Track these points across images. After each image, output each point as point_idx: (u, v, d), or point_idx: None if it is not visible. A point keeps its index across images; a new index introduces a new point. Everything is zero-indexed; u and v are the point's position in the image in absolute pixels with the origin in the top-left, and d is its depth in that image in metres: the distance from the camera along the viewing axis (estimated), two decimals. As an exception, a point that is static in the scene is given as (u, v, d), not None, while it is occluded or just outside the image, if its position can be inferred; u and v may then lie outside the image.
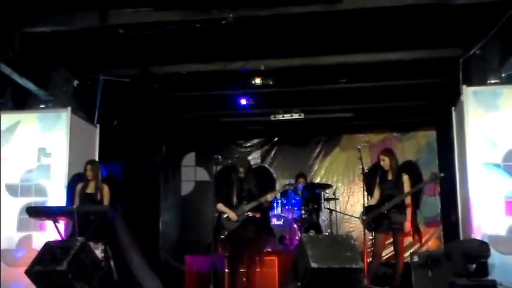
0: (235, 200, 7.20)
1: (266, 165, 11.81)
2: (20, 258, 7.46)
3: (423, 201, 7.56)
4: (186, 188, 12.48)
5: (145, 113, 10.64)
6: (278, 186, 9.60)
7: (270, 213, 8.97)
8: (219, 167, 7.81)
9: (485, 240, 6.73)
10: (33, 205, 7.45)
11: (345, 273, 5.82)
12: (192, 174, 12.45)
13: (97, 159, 8.19)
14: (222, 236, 7.37)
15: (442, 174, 7.47)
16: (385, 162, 7.18)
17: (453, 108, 8.03)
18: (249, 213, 7.11)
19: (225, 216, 7.19)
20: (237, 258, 7.20)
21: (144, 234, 10.16)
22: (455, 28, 7.49)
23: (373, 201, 7.27)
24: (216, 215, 7.45)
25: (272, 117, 10.66)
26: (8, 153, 7.88)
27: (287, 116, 10.56)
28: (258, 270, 7.28)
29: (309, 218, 9.42)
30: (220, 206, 7.26)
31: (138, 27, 7.13)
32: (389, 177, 7.17)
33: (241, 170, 7.19)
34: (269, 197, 7.13)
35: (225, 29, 7.00)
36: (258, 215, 7.18)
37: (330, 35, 7.72)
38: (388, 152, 7.32)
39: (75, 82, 8.44)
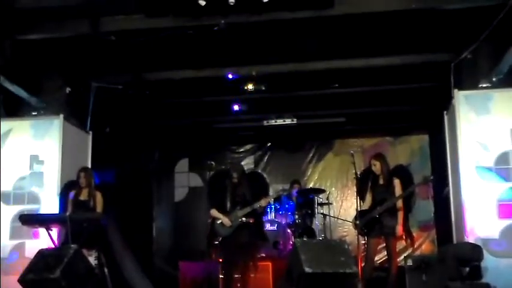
0: (228, 205, 7.18)
1: (259, 171, 11.82)
2: (13, 263, 7.40)
3: (416, 205, 7.56)
4: (180, 194, 12.48)
5: (138, 120, 10.64)
6: (271, 191, 9.61)
7: (264, 219, 8.98)
8: (212, 173, 7.81)
9: (479, 243, 6.75)
10: (26, 213, 7.43)
11: (339, 278, 5.82)
12: (185, 180, 12.45)
13: (90, 166, 8.16)
14: (216, 242, 7.36)
15: (431, 177, 7.52)
16: (376, 167, 7.20)
17: (445, 112, 8.06)
18: (243, 218, 7.11)
19: (218, 222, 7.18)
20: (231, 264, 7.19)
21: (138, 240, 10.16)
22: (446, 33, 7.53)
23: (366, 205, 7.29)
24: (209, 220, 7.45)
25: (265, 123, 10.67)
26: (0, 160, 7.84)
27: (280, 121, 10.58)
28: (252, 275, 7.27)
29: (303, 223, 9.42)
30: (214, 212, 7.24)
31: (130, 34, 7.14)
32: (381, 181, 7.19)
33: (234, 175, 7.18)
34: (263, 202, 7.12)
35: (216, 35, 7.02)
36: (251, 221, 7.17)
37: (321, 40, 7.75)
38: (379, 157, 7.34)
39: (68, 89, 8.42)
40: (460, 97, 7.39)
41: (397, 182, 7.11)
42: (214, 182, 7.60)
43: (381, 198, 7.08)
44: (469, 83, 7.61)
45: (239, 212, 7.10)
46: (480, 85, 7.52)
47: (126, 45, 7.27)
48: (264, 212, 7.67)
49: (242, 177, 7.26)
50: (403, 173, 7.39)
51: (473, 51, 7.48)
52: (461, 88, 7.52)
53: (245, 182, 7.24)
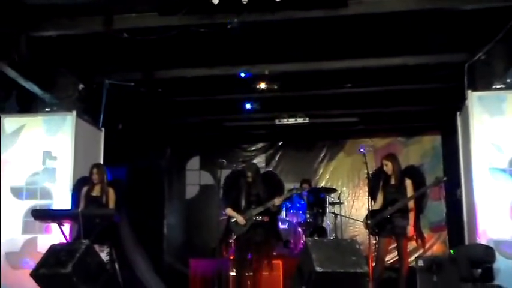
0: (243, 204, 7.21)
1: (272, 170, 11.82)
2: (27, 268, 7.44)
3: (428, 205, 7.52)
4: (191, 191, 12.49)
5: (150, 117, 10.66)
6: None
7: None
8: (227, 171, 7.82)
9: (491, 245, 6.71)
10: (38, 208, 7.48)
11: (350, 278, 5.81)
12: (196, 178, 12.46)
13: (102, 163, 8.20)
14: (230, 240, 7.37)
15: (444, 178, 7.48)
16: (388, 167, 7.17)
17: (458, 113, 8.02)
18: (257, 217, 7.12)
19: (233, 220, 7.20)
20: (245, 262, 7.21)
21: (149, 237, 10.20)
22: (460, 33, 7.49)
23: (377, 205, 7.26)
24: (221, 218, 7.46)
25: (277, 122, 10.66)
26: (13, 156, 7.91)
27: (292, 120, 10.56)
28: (263, 274, 7.28)
29: (314, 222, 9.43)
30: (229, 211, 7.26)
31: (142, 32, 7.15)
32: (393, 181, 7.16)
33: (249, 174, 7.20)
34: (277, 201, 7.13)
35: (229, 34, 7.02)
36: (266, 219, 7.19)
37: (334, 39, 7.73)
38: (391, 157, 7.31)
39: (81, 86, 8.46)
40: (474, 98, 7.35)
41: (408, 183, 7.08)
42: (230, 181, 7.60)
43: (393, 198, 7.05)
44: (483, 84, 7.57)
45: (253, 210, 7.12)
46: (494, 86, 7.48)
47: (138, 43, 7.29)
48: (278, 211, 7.67)
49: (257, 176, 7.29)
50: (415, 173, 7.35)
51: (488, 52, 7.44)
52: (475, 89, 7.48)
53: (260, 181, 7.26)
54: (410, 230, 6.97)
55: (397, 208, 6.97)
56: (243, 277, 7.21)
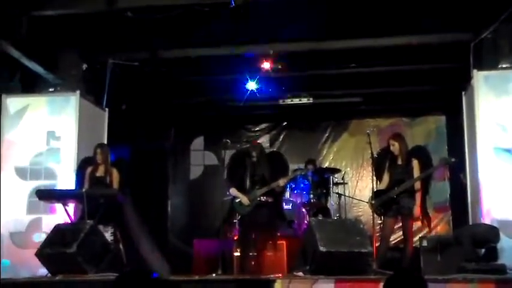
0: (248, 184, 7.21)
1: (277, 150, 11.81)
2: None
3: (432, 186, 7.51)
4: (195, 172, 12.48)
5: (154, 97, 10.64)
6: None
7: (280, 198, 8.98)
8: (231, 152, 7.81)
9: (495, 224, 6.71)
10: (42, 188, 7.49)
11: (354, 257, 5.83)
12: (200, 158, 12.44)
13: (106, 143, 8.19)
14: (235, 220, 7.39)
15: (453, 160, 7.45)
16: (395, 147, 7.13)
17: (463, 93, 7.97)
18: (262, 198, 7.12)
19: (237, 200, 7.20)
20: (249, 243, 7.22)
21: (153, 218, 10.22)
22: (466, 12, 7.42)
23: (383, 185, 7.24)
24: (225, 198, 7.47)
25: (281, 102, 10.63)
26: (18, 136, 7.91)
27: (296, 101, 10.53)
28: (267, 254, 7.30)
29: (318, 202, 9.42)
30: (233, 191, 7.26)
31: (146, 11, 7.11)
32: (399, 162, 7.13)
33: (254, 154, 7.19)
34: (281, 182, 7.13)
35: (233, 13, 6.97)
36: (270, 200, 7.19)
37: (338, 18, 7.66)
38: (398, 137, 7.28)
39: (84, 66, 8.43)
40: (480, 78, 7.30)
41: (415, 163, 7.04)
42: (234, 161, 7.60)
43: (399, 178, 7.02)
44: (489, 64, 7.51)
45: (258, 191, 7.11)
46: (500, 65, 7.42)
47: (142, 22, 7.25)
48: (283, 191, 7.67)
49: (261, 156, 7.27)
50: (421, 153, 7.31)
51: (494, 31, 7.38)
52: (480, 68, 7.43)
53: (264, 162, 7.25)
54: (417, 211, 6.96)
55: (403, 188, 6.95)
56: (246, 257, 7.24)
